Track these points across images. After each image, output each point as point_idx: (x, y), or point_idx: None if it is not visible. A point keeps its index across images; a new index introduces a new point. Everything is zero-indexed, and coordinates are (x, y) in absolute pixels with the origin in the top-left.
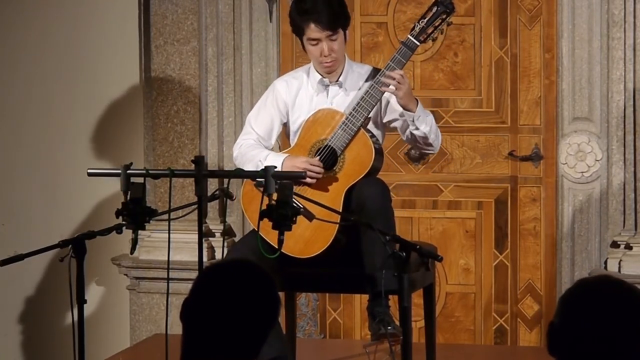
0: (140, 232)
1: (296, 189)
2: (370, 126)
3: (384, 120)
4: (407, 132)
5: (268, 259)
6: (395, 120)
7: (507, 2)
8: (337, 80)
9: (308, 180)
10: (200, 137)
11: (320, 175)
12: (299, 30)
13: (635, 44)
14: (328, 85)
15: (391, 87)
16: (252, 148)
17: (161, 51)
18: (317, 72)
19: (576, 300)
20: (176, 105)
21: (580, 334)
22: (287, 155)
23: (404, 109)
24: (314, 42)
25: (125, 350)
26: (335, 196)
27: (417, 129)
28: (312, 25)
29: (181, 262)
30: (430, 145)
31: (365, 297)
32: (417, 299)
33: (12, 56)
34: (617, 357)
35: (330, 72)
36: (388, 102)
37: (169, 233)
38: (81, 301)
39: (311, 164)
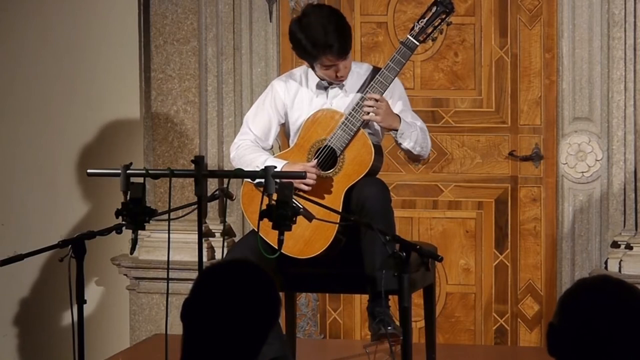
0: (140, 232)
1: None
2: (370, 126)
3: None
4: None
5: (268, 259)
6: None
7: (508, 1)
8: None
9: (303, 187)
10: (200, 137)
11: (314, 182)
12: (309, 58)
13: (636, 43)
14: (327, 87)
15: (371, 114)
16: (250, 150)
17: (161, 51)
18: (316, 75)
19: (575, 301)
20: (176, 105)
21: (579, 334)
22: (285, 162)
23: (387, 129)
24: (328, 67)
25: (125, 350)
26: (335, 196)
27: (400, 144)
28: (329, 56)
29: (181, 262)
30: (417, 156)
31: (366, 297)
32: (417, 299)
33: (11, 56)
34: (617, 357)
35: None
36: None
37: (168, 233)
38: (81, 301)
39: (307, 171)
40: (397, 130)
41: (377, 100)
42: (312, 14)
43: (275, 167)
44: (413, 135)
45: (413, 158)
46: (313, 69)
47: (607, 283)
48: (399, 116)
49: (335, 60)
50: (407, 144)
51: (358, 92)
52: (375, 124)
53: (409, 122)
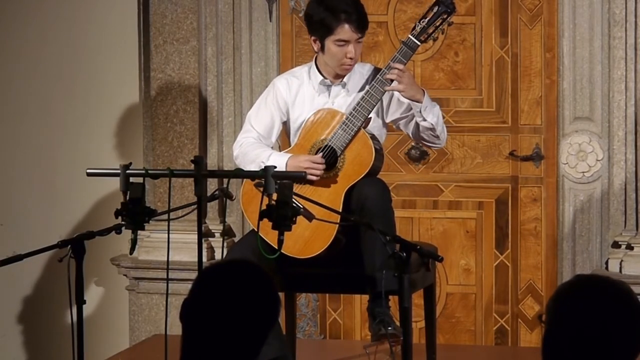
0: (139, 232)
1: (296, 188)
2: (371, 126)
3: (388, 120)
4: (413, 127)
5: (268, 259)
6: (399, 119)
7: (508, 1)
8: (341, 81)
9: (313, 177)
10: (200, 137)
11: (322, 172)
12: (325, 30)
13: (637, 43)
14: (330, 86)
15: (394, 83)
16: (254, 147)
17: (160, 50)
18: (319, 72)
19: (557, 308)
20: (175, 105)
21: (570, 338)
22: (290, 155)
23: (411, 100)
24: (342, 44)
25: (125, 350)
26: (335, 196)
27: (424, 120)
28: (346, 26)
29: (180, 262)
30: (437, 137)
31: (366, 297)
32: (417, 299)
33: (11, 55)
34: (608, 353)
35: (345, 74)
36: (390, 102)
37: (168, 233)
38: (80, 302)
39: (313, 162)
40: (420, 103)
41: (400, 71)
42: None
43: (275, 167)
44: (435, 110)
45: (429, 142)
46: (323, 48)
47: (584, 284)
48: (423, 89)
49: (354, 31)
50: (431, 119)
51: (360, 91)
52: (376, 124)
53: (431, 100)
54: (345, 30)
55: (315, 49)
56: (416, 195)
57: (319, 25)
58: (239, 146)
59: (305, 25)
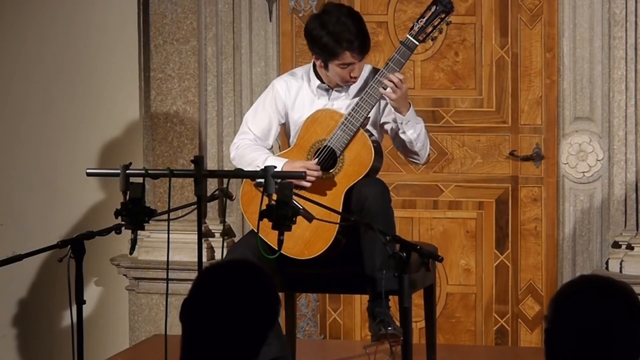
0: (139, 232)
1: (295, 188)
2: (370, 126)
3: (381, 122)
4: (397, 136)
5: (268, 259)
6: (388, 123)
7: (508, 1)
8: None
9: (304, 183)
10: (200, 137)
11: (316, 178)
12: (327, 55)
13: (637, 43)
14: (329, 89)
15: (388, 89)
16: (251, 150)
17: (160, 50)
18: (317, 77)
19: (559, 308)
20: (175, 105)
21: (571, 337)
22: (286, 160)
23: (395, 111)
24: (345, 66)
25: (125, 351)
26: (335, 197)
27: (404, 132)
28: (348, 53)
29: (180, 262)
30: (416, 153)
31: (366, 297)
32: (417, 299)
33: (11, 55)
34: (610, 353)
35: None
36: (387, 104)
37: (168, 233)
38: (80, 302)
39: (308, 168)
40: (403, 116)
41: (400, 81)
42: (334, 12)
43: (275, 167)
44: (418, 127)
45: (408, 156)
46: (326, 67)
47: (588, 283)
48: (410, 104)
49: (356, 57)
50: (410, 134)
51: (359, 93)
52: (374, 125)
53: (417, 115)
54: (347, 56)
55: (318, 64)
56: (416, 195)
57: (322, 48)
58: (236, 148)
59: (306, 40)
